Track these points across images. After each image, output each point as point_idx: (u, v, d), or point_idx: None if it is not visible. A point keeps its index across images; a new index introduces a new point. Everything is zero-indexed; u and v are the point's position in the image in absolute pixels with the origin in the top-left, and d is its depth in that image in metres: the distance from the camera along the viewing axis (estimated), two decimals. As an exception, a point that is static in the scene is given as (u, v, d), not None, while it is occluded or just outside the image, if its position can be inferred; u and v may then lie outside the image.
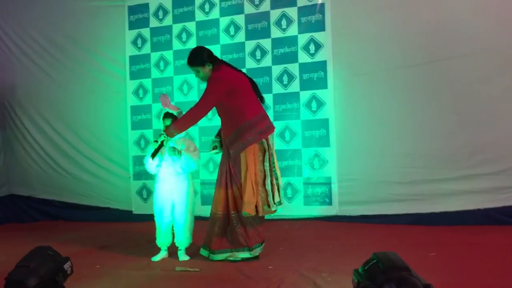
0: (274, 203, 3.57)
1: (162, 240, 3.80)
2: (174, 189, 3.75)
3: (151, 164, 3.73)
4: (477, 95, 4.60)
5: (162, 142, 3.57)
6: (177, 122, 3.63)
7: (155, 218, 3.83)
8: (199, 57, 3.63)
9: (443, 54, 4.69)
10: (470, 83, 4.62)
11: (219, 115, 3.77)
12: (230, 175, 3.61)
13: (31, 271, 2.14)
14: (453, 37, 4.66)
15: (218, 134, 3.86)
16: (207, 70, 3.62)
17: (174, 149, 3.62)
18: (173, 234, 3.82)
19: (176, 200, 3.75)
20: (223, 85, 3.53)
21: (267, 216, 3.73)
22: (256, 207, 3.51)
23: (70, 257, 2.34)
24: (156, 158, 3.64)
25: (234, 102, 3.55)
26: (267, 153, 3.56)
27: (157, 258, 3.76)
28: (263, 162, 3.56)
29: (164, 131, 3.63)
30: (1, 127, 6.29)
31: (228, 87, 3.53)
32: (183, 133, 3.81)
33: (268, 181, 3.54)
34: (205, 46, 3.85)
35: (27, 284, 2.10)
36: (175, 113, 3.77)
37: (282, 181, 5.12)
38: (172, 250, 3.85)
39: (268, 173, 3.55)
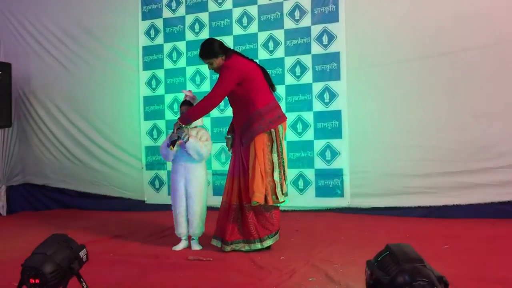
0: (283, 194, 3.57)
1: (180, 229, 3.82)
2: (187, 179, 3.78)
3: (167, 153, 3.74)
4: (491, 87, 4.55)
5: (180, 131, 3.61)
6: (191, 110, 3.65)
7: (172, 208, 3.87)
8: (211, 49, 3.63)
9: (457, 46, 4.63)
10: (484, 75, 4.57)
11: (230, 104, 3.78)
12: (242, 165, 3.62)
13: (47, 258, 2.17)
14: (468, 29, 4.59)
15: (230, 131, 3.87)
16: (220, 61, 3.63)
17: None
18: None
19: (188, 190, 3.77)
20: (235, 73, 3.53)
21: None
22: (265, 196, 3.51)
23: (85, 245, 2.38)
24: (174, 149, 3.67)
25: (245, 91, 3.56)
26: (275, 144, 3.55)
27: (178, 247, 3.78)
28: (272, 152, 3.56)
29: (178, 119, 3.65)
30: (16, 117, 6.37)
31: (240, 76, 3.54)
32: (200, 123, 3.84)
33: (276, 173, 3.54)
34: (218, 37, 3.86)
35: (43, 270, 2.13)
36: (191, 101, 3.82)
37: (294, 172, 5.20)
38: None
39: (276, 164, 3.55)
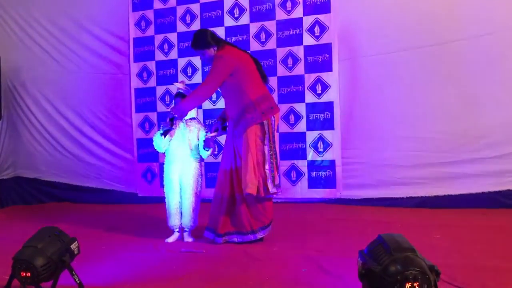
0: (274, 185, 3.56)
1: (173, 221, 3.81)
2: (181, 171, 3.76)
3: (160, 143, 3.73)
4: (483, 78, 4.57)
5: (173, 121, 3.58)
6: (184, 100, 3.62)
7: (165, 200, 3.86)
8: (203, 40, 3.61)
9: (449, 36, 4.64)
10: (476, 65, 4.58)
11: (223, 95, 3.77)
12: (235, 157, 3.61)
13: (38, 251, 2.16)
14: (460, 19, 4.60)
15: (221, 117, 3.86)
16: (212, 51, 3.61)
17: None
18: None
19: (183, 182, 3.76)
20: (228, 63, 3.51)
21: (271, 199, 3.74)
22: (258, 187, 3.50)
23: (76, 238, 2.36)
24: (167, 138, 3.65)
25: (238, 82, 3.54)
26: (267, 135, 3.55)
27: (170, 239, 3.77)
28: (263, 144, 3.55)
29: (171, 109, 3.63)
30: (6, 110, 6.30)
31: (233, 66, 3.52)
32: (194, 115, 3.82)
33: (267, 164, 3.54)
34: (209, 28, 3.84)
35: (34, 263, 2.12)
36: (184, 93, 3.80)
37: (286, 164, 5.20)
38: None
39: (267, 156, 3.54)
